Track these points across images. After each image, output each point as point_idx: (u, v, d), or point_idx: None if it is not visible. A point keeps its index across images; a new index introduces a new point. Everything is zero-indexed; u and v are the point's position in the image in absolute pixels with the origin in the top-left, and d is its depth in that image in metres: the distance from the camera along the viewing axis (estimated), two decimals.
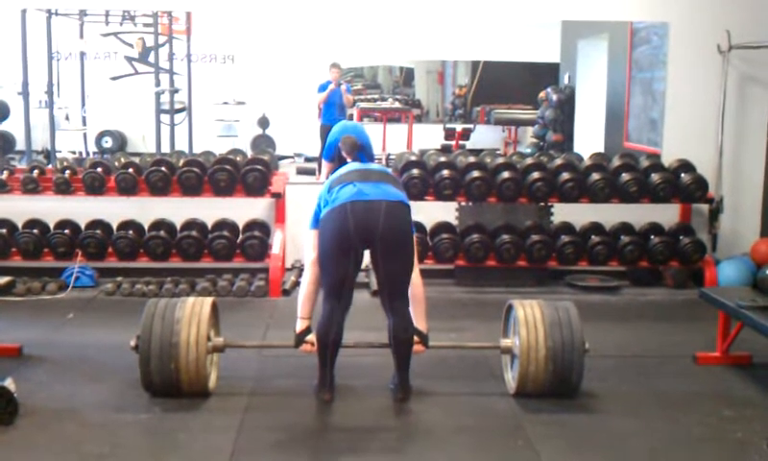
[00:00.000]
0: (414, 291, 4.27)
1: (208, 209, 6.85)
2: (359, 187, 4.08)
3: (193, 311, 4.26)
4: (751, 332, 4.69)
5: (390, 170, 4.59)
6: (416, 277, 4.27)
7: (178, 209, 6.84)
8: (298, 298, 4.37)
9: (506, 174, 6.66)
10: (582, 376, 4.32)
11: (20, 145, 11.05)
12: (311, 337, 4.27)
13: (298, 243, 6.58)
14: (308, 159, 12.14)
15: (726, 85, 6.98)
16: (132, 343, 4.25)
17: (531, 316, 4.32)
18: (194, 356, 4.18)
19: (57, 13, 10.15)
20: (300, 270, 6.92)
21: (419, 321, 4.30)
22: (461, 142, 12.81)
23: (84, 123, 12.19)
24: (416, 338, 4.29)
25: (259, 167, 6.73)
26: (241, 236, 6.78)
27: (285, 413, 4.22)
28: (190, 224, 6.81)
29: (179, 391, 4.26)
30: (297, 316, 4.34)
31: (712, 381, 4.75)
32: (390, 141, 12.15)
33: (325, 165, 7.93)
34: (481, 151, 7.99)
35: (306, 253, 4.32)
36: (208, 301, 4.40)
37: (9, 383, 4.04)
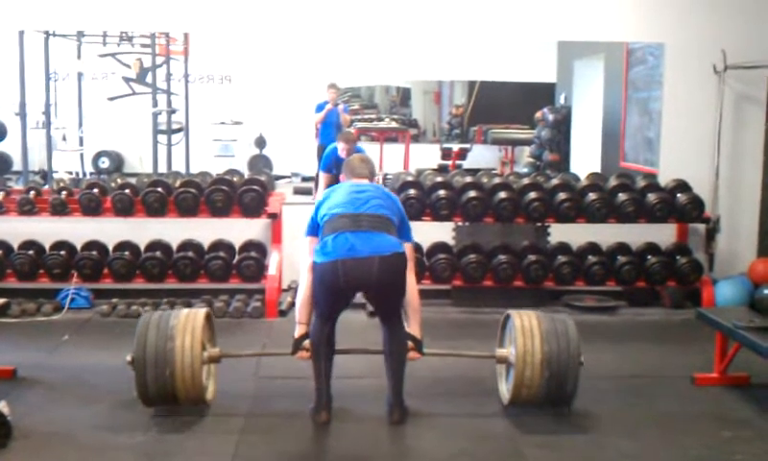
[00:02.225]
0: (410, 299, 4.25)
1: (205, 230, 6.84)
2: (351, 242, 4.05)
3: (187, 320, 4.25)
4: (749, 352, 4.68)
5: (385, 189, 4.54)
6: (412, 286, 4.26)
7: (174, 230, 6.83)
8: (296, 303, 4.35)
9: (503, 194, 6.66)
10: (577, 387, 4.29)
11: (17, 166, 11.06)
12: (307, 343, 4.25)
13: (294, 264, 6.56)
14: (305, 179, 12.15)
15: (722, 105, 7.00)
16: (129, 358, 4.22)
17: (528, 325, 4.30)
18: (189, 362, 4.14)
19: (54, 34, 10.17)
20: (296, 290, 6.90)
21: (413, 328, 4.30)
22: (458, 162, 12.81)
23: (82, 143, 12.19)
24: (410, 344, 4.28)
25: (256, 188, 6.73)
26: (237, 257, 6.77)
27: (281, 436, 4.20)
28: (186, 245, 6.79)
29: (175, 400, 4.21)
30: (295, 323, 4.34)
31: (711, 402, 4.73)
32: (387, 161, 12.15)
33: (322, 177, 7.99)
34: (478, 171, 8.00)
35: (303, 259, 4.31)
36: (202, 311, 4.39)
37: (3, 406, 4.02)
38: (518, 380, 4.26)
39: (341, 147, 7.41)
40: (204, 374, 4.34)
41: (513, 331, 4.34)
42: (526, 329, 4.28)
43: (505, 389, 4.49)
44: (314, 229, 4.28)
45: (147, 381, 4.19)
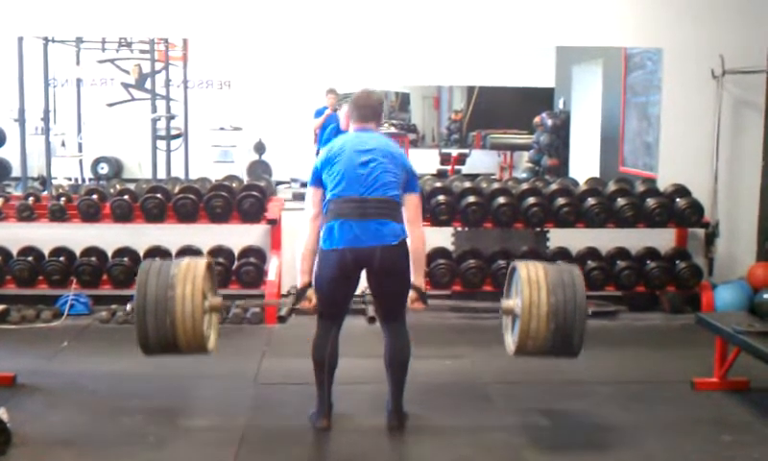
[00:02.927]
0: (414, 246, 4.20)
1: (204, 236, 6.83)
2: (355, 232, 4.04)
3: (188, 269, 4.14)
4: (748, 357, 4.68)
5: (389, 146, 4.33)
6: (416, 235, 4.21)
7: (173, 236, 6.81)
8: (296, 255, 4.28)
9: (502, 199, 6.67)
10: (583, 339, 4.17)
11: (16, 172, 11.05)
12: (311, 292, 4.20)
13: (293, 269, 6.54)
14: (304, 185, 12.12)
15: (720, 110, 7.00)
16: (128, 307, 4.16)
17: (534, 275, 4.19)
18: (190, 311, 4.04)
19: (53, 41, 10.18)
20: (295, 295, 6.89)
21: (417, 278, 4.24)
22: (456, 167, 12.83)
23: (81, 149, 12.19)
24: (414, 295, 4.23)
25: (255, 193, 6.73)
26: (237, 263, 6.76)
27: (281, 443, 4.19)
28: (186, 251, 6.76)
29: (176, 349, 4.13)
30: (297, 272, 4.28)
31: (711, 407, 4.72)
32: None
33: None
34: (477, 176, 8.00)
35: (306, 209, 4.27)
36: (203, 260, 4.28)
37: (2, 413, 4.01)
38: (524, 332, 4.15)
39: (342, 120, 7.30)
40: (206, 323, 4.26)
41: (519, 283, 4.25)
42: (532, 281, 4.17)
43: (510, 340, 4.39)
44: (317, 181, 4.21)
45: (147, 330, 4.08)
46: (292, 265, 6.61)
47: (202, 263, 4.22)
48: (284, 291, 6.93)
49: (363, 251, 4.05)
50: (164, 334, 4.06)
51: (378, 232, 4.07)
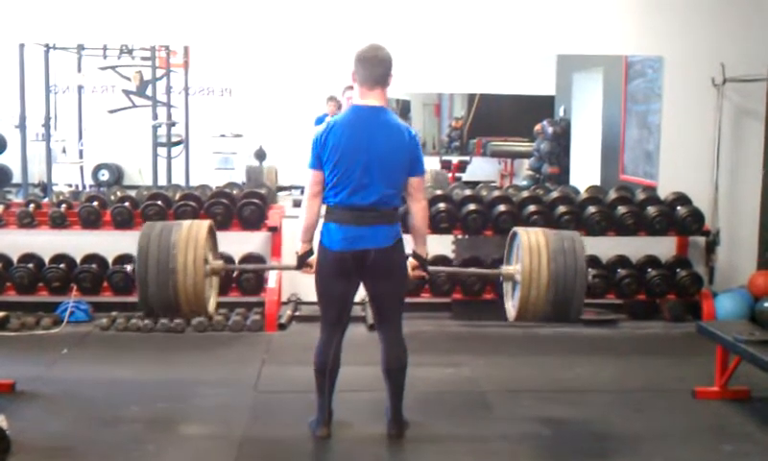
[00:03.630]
0: (415, 218, 4.18)
1: None
2: (353, 234, 4.04)
3: (189, 233, 4.15)
4: (749, 366, 4.67)
5: (397, 126, 4.19)
6: (419, 208, 4.17)
7: None
8: (299, 228, 4.23)
9: (502, 207, 6.67)
10: (582, 306, 4.19)
11: (17, 178, 11.04)
12: (312, 259, 4.20)
13: (293, 276, 6.55)
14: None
15: (721, 118, 7.01)
16: (129, 268, 4.14)
17: (535, 242, 4.19)
18: (192, 276, 4.05)
19: (54, 47, 10.19)
20: (296, 304, 6.90)
21: (418, 246, 4.24)
22: (457, 174, 12.82)
23: (81, 156, 12.18)
24: (414, 262, 4.23)
25: (256, 201, 6.73)
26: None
27: (280, 451, 4.19)
28: None
29: (177, 312, 4.10)
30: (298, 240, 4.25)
31: (711, 416, 4.71)
32: None
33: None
34: (477, 183, 8.01)
35: (306, 189, 4.21)
36: (205, 223, 4.28)
37: (2, 420, 3.99)
38: (524, 299, 4.16)
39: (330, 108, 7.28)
40: (207, 285, 4.26)
41: (519, 249, 4.24)
42: (533, 247, 4.17)
43: (511, 306, 4.40)
44: (316, 163, 4.12)
45: (149, 295, 4.10)
46: (291, 273, 6.63)
47: (203, 227, 4.21)
48: (284, 298, 6.95)
49: (359, 253, 4.05)
50: (166, 298, 4.08)
51: (372, 237, 4.06)
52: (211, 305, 4.31)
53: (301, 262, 4.25)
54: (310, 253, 4.21)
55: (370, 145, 4.05)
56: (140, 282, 4.12)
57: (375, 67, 4.19)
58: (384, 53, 4.24)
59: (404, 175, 4.14)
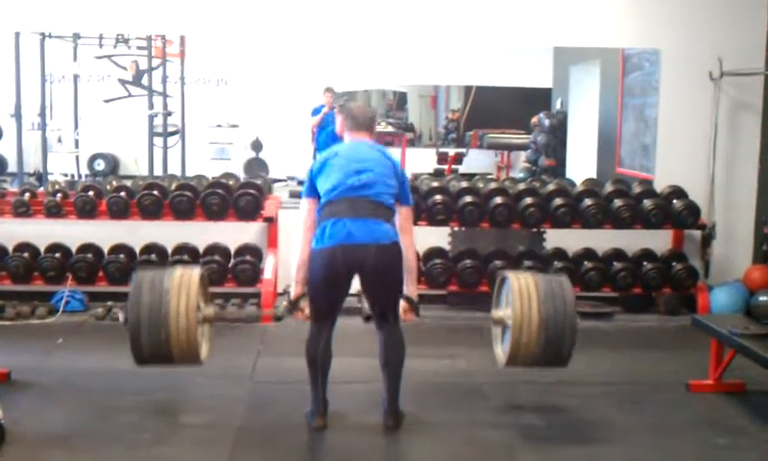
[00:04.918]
0: (405, 257, 4.20)
1: (200, 234, 6.82)
2: (349, 228, 4.04)
3: (182, 281, 4.17)
4: (744, 360, 4.69)
5: (384, 154, 4.33)
6: (408, 245, 4.21)
7: (169, 233, 6.81)
8: (291, 262, 4.27)
9: (498, 199, 6.67)
10: (573, 349, 4.22)
11: (12, 167, 11.04)
12: (304, 303, 4.21)
13: (289, 268, 6.54)
14: (301, 183, 12.12)
15: (717, 112, 7.01)
16: (121, 317, 4.17)
17: (525, 287, 4.23)
18: (184, 325, 4.06)
19: (50, 36, 10.17)
20: (289, 305, 6.88)
21: (410, 289, 4.26)
22: (453, 166, 12.83)
23: (77, 146, 12.17)
24: (406, 305, 4.24)
25: (252, 191, 6.72)
26: (233, 261, 6.75)
27: (276, 442, 4.19)
28: (181, 248, 6.77)
29: (170, 361, 4.15)
30: (292, 281, 4.28)
31: (706, 409, 4.72)
32: None
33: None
34: (474, 175, 8.01)
35: (300, 219, 4.26)
36: (197, 271, 4.30)
37: None
38: (515, 344, 4.19)
39: (338, 122, 7.37)
40: (199, 333, 4.27)
41: (510, 294, 4.28)
42: (524, 292, 4.21)
43: (501, 351, 4.43)
44: (311, 191, 4.22)
45: (141, 343, 4.10)
46: (288, 264, 6.63)
47: (195, 274, 4.24)
48: (280, 289, 6.94)
49: (355, 249, 4.03)
50: (158, 347, 4.09)
51: (372, 231, 4.06)
52: (203, 353, 4.33)
53: (294, 307, 4.26)
54: (303, 296, 4.21)
55: (362, 159, 4.20)
56: (132, 330, 4.12)
57: (359, 118, 4.40)
58: (369, 110, 4.59)
59: (396, 189, 4.21)
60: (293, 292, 4.25)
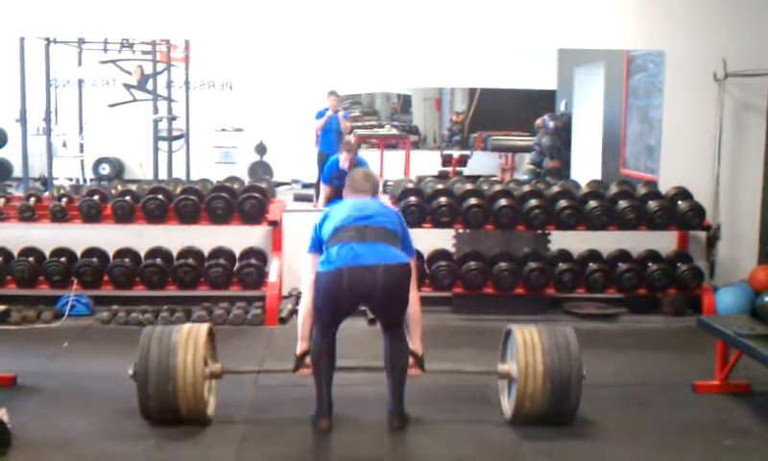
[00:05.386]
0: (411, 311, 4.25)
1: (205, 237, 6.84)
2: (356, 251, 4.05)
3: (189, 335, 4.26)
4: (750, 360, 4.67)
5: (387, 205, 4.51)
6: (414, 299, 4.25)
7: (174, 237, 6.82)
8: (297, 320, 4.35)
9: (503, 201, 6.67)
10: (579, 400, 4.29)
11: (17, 172, 11.05)
12: (309, 360, 4.26)
13: (294, 271, 6.56)
14: (306, 186, 12.15)
15: (722, 113, 7.00)
16: (131, 371, 4.23)
17: (529, 339, 4.31)
18: (191, 380, 4.15)
19: (55, 41, 10.19)
20: (297, 297, 6.90)
21: (414, 342, 4.30)
22: (458, 169, 12.82)
23: (82, 150, 12.20)
24: (411, 360, 4.28)
25: (256, 195, 6.72)
26: (238, 264, 6.76)
27: (282, 444, 4.19)
28: (187, 252, 6.79)
29: (177, 416, 4.22)
30: (297, 338, 4.33)
31: (712, 410, 4.72)
32: (387, 168, 12.16)
33: (323, 189, 8.02)
34: (478, 177, 8.00)
35: (304, 275, 4.31)
36: (204, 327, 4.40)
37: (2, 414, 4.01)
38: (521, 395, 4.26)
39: (342, 157, 7.51)
40: (206, 389, 4.34)
41: (514, 346, 4.35)
42: (528, 344, 4.29)
43: (507, 404, 4.49)
44: (316, 245, 4.26)
45: (148, 396, 4.20)
46: (292, 267, 6.64)
47: (203, 329, 4.33)
48: (285, 293, 6.95)
49: (362, 271, 4.02)
50: (165, 399, 4.17)
51: (379, 253, 4.07)
52: (210, 408, 4.38)
53: (299, 364, 4.32)
54: (307, 353, 4.26)
55: (364, 207, 4.26)
56: (139, 384, 4.20)
57: (362, 183, 4.49)
58: (371, 179, 4.59)
59: (399, 232, 4.25)
60: (298, 348, 4.31)
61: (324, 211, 4.39)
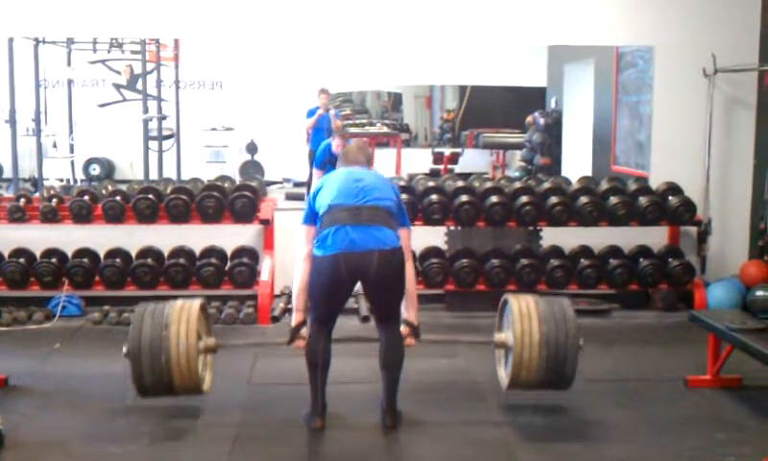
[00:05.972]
0: (406, 283, 4.23)
1: (196, 237, 6.82)
2: (351, 236, 4.05)
3: (182, 310, 4.24)
4: (741, 355, 4.69)
5: (381, 175, 4.49)
6: (409, 269, 4.25)
7: (165, 237, 6.80)
8: (292, 291, 4.31)
9: (494, 198, 6.67)
10: (575, 370, 4.28)
11: (7, 173, 11.02)
12: (305, 332, 4.23)
13: (286, 269, 6.54)
14: (297, 185, 12.14)
15: (712, 108, 7.02)
16: (124, 349, 4.21)
17: (525, 308, 4.32)
18: (184, 350, 4.12)
19: (44, 41, 10.15)
20: (289, 296, 6.89)
21: (409, 313, 4.30)
22: (449, 166, 12.84)
23: (72, 150, 12.16)
24: (407, 329, 4.28)
25: (247, 194, 6.71)
26: (229, 263, 6.75)
27: (275, 443, 4.18)
28: (178, 251, 6.77)
29: (171, 390, 4.19)
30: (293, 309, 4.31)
31: (704, 405, 4.73)
32: (378, 166, 12.13)
33: (316, 173, 8.03)
34: (469, 175, 8.01)
35: (299, 247, 4.30)
36: (197, 301, 4.37)
37: None
38: (517, 362, 4.24)
39: (336, 143, 7.55)
40: (201, 364, 4.31)
41: (510, 315, 4.34)
42: (524, 312, 4.29)
43: (504, 374, 4.48)
44: (311, 217, 4.26)
45: (143, 371, 4.16)
46: (284, 264, 6.62)
47: (195, 304, 4.31)
48: (277, 291, 6.94)
49: (358, 256, 4.03)
50: (159, 374, 4.15)
51: (375, 237, 4.07)
52: (206, 383, 4.36)
53: (294, 335, 4.28)
54: (303, 324, 4.23)
55: (361, 176, 4.26)
56: (133, 359, 4.17)
57: (355, 154, 4.53)
58: (363, 150, 4.64)
59: (394, 201, 4.25)
60: (293, 320, 4.28)
61: (319, 182, 4.37)
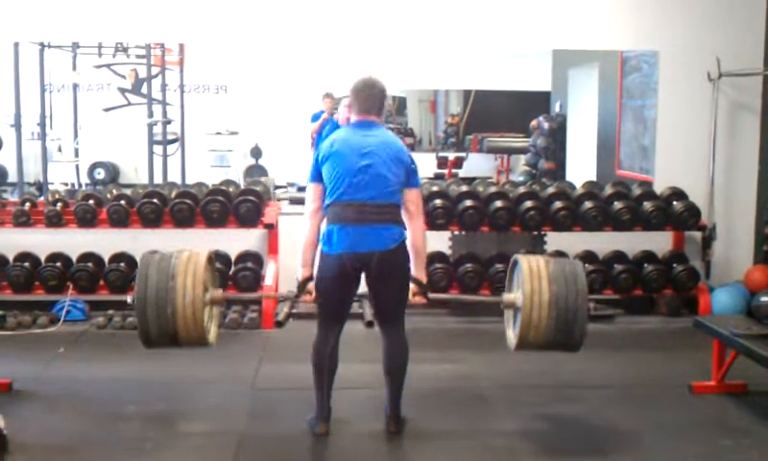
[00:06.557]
0: (414, 239, 4.19)
1: (201, 241, 6.78)
2: (352, 237, 4.05)
3: (189, 261, 4.17)
4: (746, 360, 4.68)
5: (390, 140, 4.26)
6: (417, 230, 4.20)
7: (170, 241, 6.72)
8: (298, 247, 4.23)
9: (499, 203, 6.67)
10: (584, 335, 4.18)
11: (12, 177, 11.03)
12: (311, 285, 4.19)
13: (291, 274, 6.54)
14: (301, 189, 12.12)
15: (716, 113, 7.01)
16: (129, 300, 4.17)
17: (536, 268, 4.21)
18: (190, 301, 4.06)
19: (49, 46, 10.16)
20: (293, 300, 6.89)
21: (418, 271, 4.22)
22: (453, 171, 12.83)
23: (77, 155, 12.16)
24: (415, 287, 4.21)
25: (252, 198, 6.72)
26: (233, 268, 6.75)
27: (279, 450, 4.18)
28: None
29: (176, 341, 4.13)
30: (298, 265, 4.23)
31: (709, 411, 4.72)
32: None
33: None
34: (474, 179, 8.00)
35: (306, 204, 4.26)
36: (204, 253, 4.30)
37: None
38: (526, 321, 4.15)
39: (342, 117, 7.39)
40: (206, 316, 4.27)
41: (520, 275, 4.25)
42: (534, 272, 4.18)
43: (512, 334, 4.39)
44: (315, 177, 4.21)
45: (148, 321, 4.10)
46: (288, 270, 6.62)
47: (202, 255, 4.23)
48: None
49: (360, 256, 4.05)
50: (165, 325, 4.07)
51: (376, 237, 4.07)
52: (212, 335, 4.32)
53: (301, 289, 4.23)
54: (310, 279, 4.19)
55: (368, 151, 4.13)
56: (139, 310, 4.12)
57: (367, 101, 4.24)
58: (377, 87, 4.28)
59: (401, 173, 4.17)
60: (300, 275, 4.22)
61: (327, 145, 4.21)
